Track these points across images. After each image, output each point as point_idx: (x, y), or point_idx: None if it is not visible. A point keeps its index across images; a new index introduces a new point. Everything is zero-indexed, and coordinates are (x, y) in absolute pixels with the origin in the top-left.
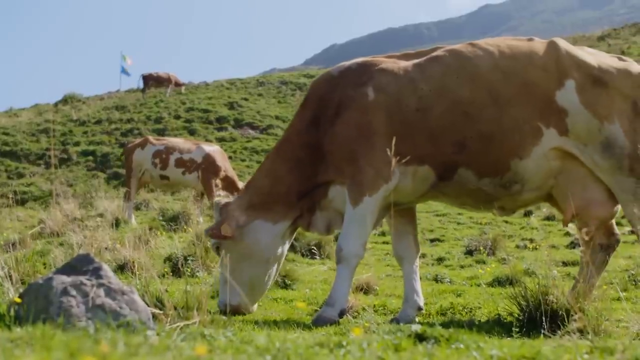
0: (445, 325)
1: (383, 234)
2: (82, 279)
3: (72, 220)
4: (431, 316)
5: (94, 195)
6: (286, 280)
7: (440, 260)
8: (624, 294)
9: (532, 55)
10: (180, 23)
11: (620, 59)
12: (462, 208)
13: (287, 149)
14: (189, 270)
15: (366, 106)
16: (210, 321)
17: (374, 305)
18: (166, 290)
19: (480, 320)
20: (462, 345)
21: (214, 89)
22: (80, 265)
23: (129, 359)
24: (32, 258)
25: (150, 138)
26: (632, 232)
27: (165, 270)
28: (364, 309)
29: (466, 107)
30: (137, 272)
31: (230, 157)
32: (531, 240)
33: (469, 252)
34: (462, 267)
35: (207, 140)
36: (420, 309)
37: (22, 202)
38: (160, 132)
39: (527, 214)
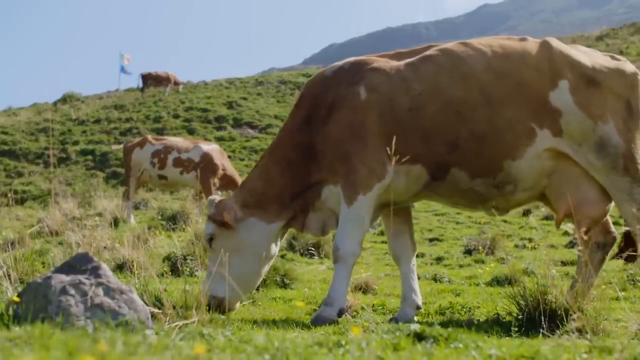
0: (444, 324)
1: (382, 233)
2: (81, 278)
3: (71, 220)
4: (430, 315)
5: (93, 194)
6: (285, 280)
7: (439, 259)
8: (623, 293)
9: (525, 55)
10: (180, 22)
11: (613, 57)
12: (455, 207)
13: (279, 150)
14: (187, 269)
15: (358, 105)
16: (209, 320)
17: (373, 305)
18: (165, 290)
19: (479, 320)
20: (460, 345)
21: (213, 89)
22: (79, 264)
23: (127, 358)
24: (31, 257)
25: (150, 138)
26: None
27: (164, 269)
28: (362, 308)
29: (459, 107)
30: (136, 272)
31: (229, 157)
32: (530, 240)
33: (468, 252)
34: (461, 266)
35: (206, 140)
36: (418, 307)
37: (21, 202)
38: (159, 132)
39: (526, 213)
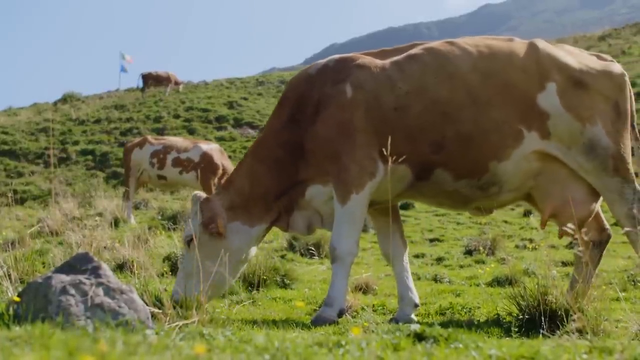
0: (444, 324)
1: None
2: (81, 278)
3: (71, 220)
4: (430, 316)
5: (93, 194)
6: (285, 280)
7: (439, 260)
8: (623, 294)
9: (512, 56)
10: (180, 22)
11: (599, 57)
12: (439, 207)
13: (264, 148)
14: None
15: (345, 103)
16: (209, 320)
17: (373, 305)
18: (165, 290)
19: (479, 320)
20: (461, 345)
21: (214, 88)
22: (79, 264)
23: (127, 358)
24: (31, 257)
25: (149, 138)
26: None
27: (165, 269)
28: (363, 308)
29: (444, 107)
30: (136, 272)
31: (229, 157)
32: (530, 240)
33: (469, 252)
34: (461, 267)
35: (206, 140)
36: (416, 305)
37: (21, 201)
38: (160, 132)
39: (527, 214)
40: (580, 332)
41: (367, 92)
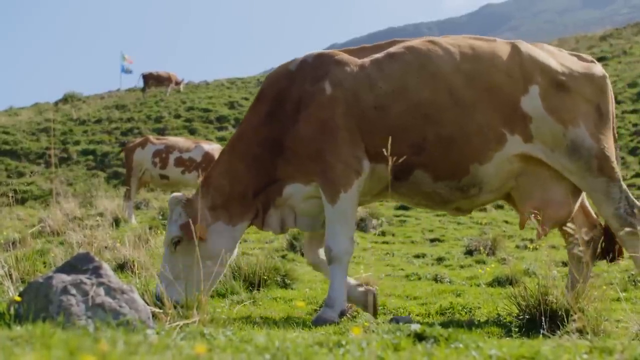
0: (444, 325)
1: (383, 233)
2: (82, 277)
3: (72, 220)
4: (431, 316)
5: (94, 194)
6: (286, 280)
7: (440, 260)
8: (624, 294)
9: (496, 58)
10: (181, 22)
11: (580, 58)
12: (417, 207)
13: (243, 145)
14: None
15: (324, 101)
16: (210, 320)
17: None
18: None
19: (479, 320)
20: (461, 345)
21: (215, 89)
22: (80, 264)
23: (128, 357)
24: (32, 257)
25: (151, 137)
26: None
27: None
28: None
29: (426, 108)
30: (137, 271)
31: None
32: (531, 241)
33: (469, 252)
34: (462, 267)
35: (207, 140)
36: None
37: (22, 201)
38: (161, 132)
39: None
40: (581, 332)
41: (346, 90)
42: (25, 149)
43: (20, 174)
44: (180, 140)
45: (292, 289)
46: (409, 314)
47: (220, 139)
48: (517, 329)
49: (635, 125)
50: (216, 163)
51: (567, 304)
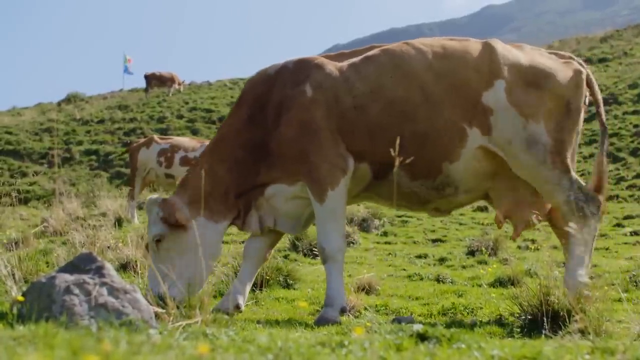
0: (446, 325)
1: (385, 234)
2: (85, 277)
3: (74, 220)
4: (433, 316)
5: (97, 194)
6: (288, 280)
7: (442, 260)
8: (625, 295)
9: (466, 57)
10: (184, 22)
11: (558, 56)
12: (397, 209)
13: (225, 147)
14: None
15: (306, 103)
16: (213, 320)
17: (376, 305)
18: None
19: (481, 321)
20: (463, 345)
21: (217, 89)
22: (83, 264)
23: (131, 357)
24: (35, 257)
25: (156, 137)
26: (633, 233)
27: None
28: (365, 309)
29: (401, 106)
30: (140, 271)
31: None
32: (533, 241)
33: (471, 253)
34: (463, 267)
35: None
36: (238, 307)
37: (25, 201)
38: (163, 132)
39: None
40: (583, 332)
41: (326, 92)
42: (28, 149)
43: (23, 174)
44: (185, 140)
45: (294, 289)
46: (411, 314)
47: None
48: (518, 330)
49: (636, 126)
50: (195, 165)
51: (568, 304)
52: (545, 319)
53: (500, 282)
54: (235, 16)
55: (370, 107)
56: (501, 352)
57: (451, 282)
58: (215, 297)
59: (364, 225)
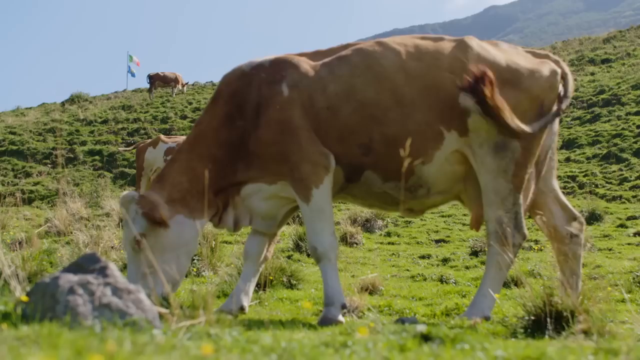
0: (450, 326)
1: (388, 234)
2: (89, 278)
3: (78, 220)
4: (436, 317)
5: (101, 194)
6: (292, 280)
7: (445, 260)
8: (629, 295)
9: (439, 57)
10: (188, 23)
11: (535, 55)
12: (370, 209)
13: (203, 145)
14: (195, 269)
15: (282, 103)
16: (216, 321)
17: (379, 306)
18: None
19: (485, 321)
20: (467, 346)
21: None
22: (87, 264)
23: (135, 357)
24: (38, 257)
25: (162, 137)
26: (637, 234)
27: None
28: (369, 309)
29: (372, 109)
30: None
31: None
32: (536, 242)
33: (474, 253)
34: (467, 267)
35: None
36: (242, 308)
37: (28, 201)
38: (167, 132)
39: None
40: (586, 333)
41: (302, 91)
42: (32, 149)
43: (27, 174)
44: None
45: (298, 289)
46: (415, 314)
47: None
48: (522, 330)
49: (639, 127)
50: (172, 161)
51: (572, 305)
52: (548, 319)
53: (503, 283)
54: (238, 17)
55: (342, 109)
56: (505, 353)
57: (454, 283)
58: (219, 297)
59: (367, 226)
